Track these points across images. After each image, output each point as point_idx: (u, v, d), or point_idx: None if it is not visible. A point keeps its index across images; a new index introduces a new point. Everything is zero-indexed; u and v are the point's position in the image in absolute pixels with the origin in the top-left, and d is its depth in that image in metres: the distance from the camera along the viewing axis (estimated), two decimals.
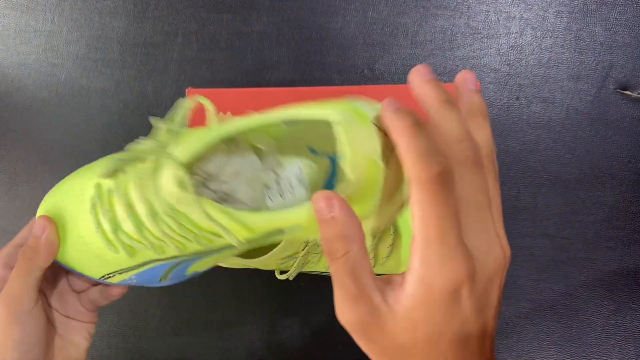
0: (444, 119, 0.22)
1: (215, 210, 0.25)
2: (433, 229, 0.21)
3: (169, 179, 0.25)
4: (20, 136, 0.51)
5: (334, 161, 0.30)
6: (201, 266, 0.31)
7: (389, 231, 0.40)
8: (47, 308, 0.34)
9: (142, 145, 0.28)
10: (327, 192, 0.22)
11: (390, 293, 0.22)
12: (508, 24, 0.48)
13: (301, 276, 0.44)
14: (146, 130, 0.51)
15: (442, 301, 0.21)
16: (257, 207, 0.30)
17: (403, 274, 0.22)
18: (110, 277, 0.31)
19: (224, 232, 0.25)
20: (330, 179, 0.30)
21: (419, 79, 0.24)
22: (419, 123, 0.22)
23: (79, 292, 0.36)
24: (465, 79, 0.24)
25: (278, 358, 0.51)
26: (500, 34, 0.48)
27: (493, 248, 0.22)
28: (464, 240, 0.21)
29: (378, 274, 0.42)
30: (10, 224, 0.51)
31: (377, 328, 0.22)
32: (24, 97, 0.51)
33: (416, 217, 0.21)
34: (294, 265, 0.40)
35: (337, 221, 0.22)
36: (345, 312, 0.22)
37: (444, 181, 0.20)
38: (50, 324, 0.33)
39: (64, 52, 0.51)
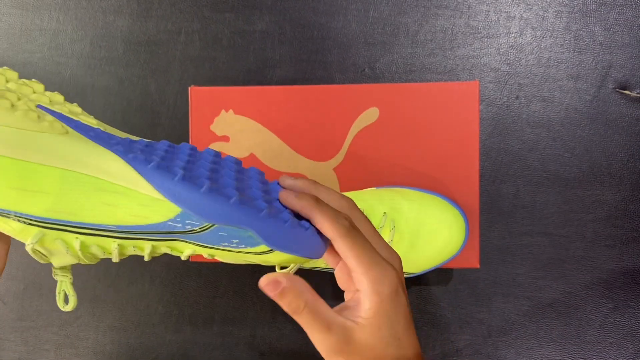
0: (329, 199, 0.32)
1: None
2: (365, 258, 0.29)
3: None
4: None
5: None
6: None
7: (388, 227, 0.40)
8: None
9: None
10: (268, 276, 0.28)
11: (350, 313, 0.29)
12: (508, 24, 0.49)
13: (301, 272, 0.44)
14: (149, 127, 0.51)
15: (391, 300, 0.29)
16: None
17: (353, 298, 0.30)
18: None
19: None
20: None
21: (292, 197, 0.31)
22: (318, 199, 0.30)
23: None
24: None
25: (279, 353, 0.52)
26: (500, 34, 0.49)
27: (393, 253, 0.31)
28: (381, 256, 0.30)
29: None
30: None
31: (350, 343, 0.28)
32: None
33: (349, 257, 0.29)
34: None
35: (286, 290, 0.28)
36: (324, 344, 0.28)
37: (354, 228, 0.29)
38: None
39: (69, 51, 0.52)
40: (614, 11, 0.48)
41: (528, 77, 0.49)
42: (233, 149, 0.47)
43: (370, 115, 0.46)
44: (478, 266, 0.46)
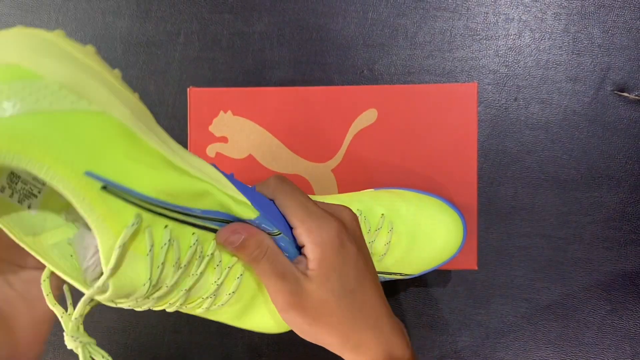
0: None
1: None
2: (300, 210, 0.29)
3: None
4: None
5: None
6: None
7: (386, 229, 0.40)
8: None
9: None
10: (228, 228, 0.28)
11: (301, 266, 0.29)
12: (507, 26, 0.49)
13: None
14: None
15: (334, 248, 0.28)
16: None
17: (303, 255, 0.29)
18: None
19: None
20: None
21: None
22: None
23: None
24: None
25: (277, 355, 0.52)
26: (499, 36, 0.49)
27: (342, 209, 0.31)
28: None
29: None
30: None
31: (302, 295, 0.28)
32: None
33: (286, 212, 0.29)
34: None
35: (247, 240, 0.28)
36: (279, 294, 0.28)
37: (286, 182, 0.30)
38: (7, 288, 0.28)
39: None
40: (612, 13, 0.48)
41: (526, 79, 0.49)
42: (231, 150, 0.47)
43: (368, 116, 0.46)
44: (476, 268, 0.46)
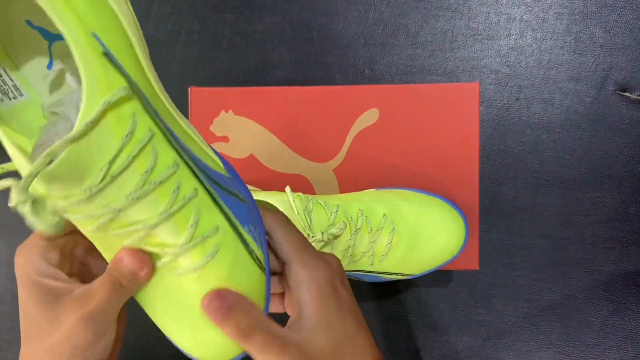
0: None
1: None
2: (298, 244, 0.27)
3: None
4: None
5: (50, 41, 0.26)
6: None
7: (387, 229, 0.40)
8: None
9: None
10: (212, 292, 0.25)
11: (297, 326, 0.26)
12: (508, 26, 0.49)
13: None
14: None
15: (328, 290, 0.26)
16: None
17: (294, 315, 0.27)
18: None
19: None
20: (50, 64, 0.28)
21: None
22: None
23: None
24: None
25: None
26: (501, 36, 0.49)
27: (331, 257, 0.29)
28: None
29: (374, 272, 0.42)
30: (12, 220, 0.52)
31: (308, 353, 0.25)
32: None
33: (283, 244, 0.28)
34: None
35: (234, 306, 0.25)
36: None
37: (290, 222, 0.29)
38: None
39: None
40: (614, 13, 0.48)
41: (528, 79, 0.49)
42: (232, 150, 0.47)
43: (370, 116, 0.46)
44: (477, 268, 0.46)
